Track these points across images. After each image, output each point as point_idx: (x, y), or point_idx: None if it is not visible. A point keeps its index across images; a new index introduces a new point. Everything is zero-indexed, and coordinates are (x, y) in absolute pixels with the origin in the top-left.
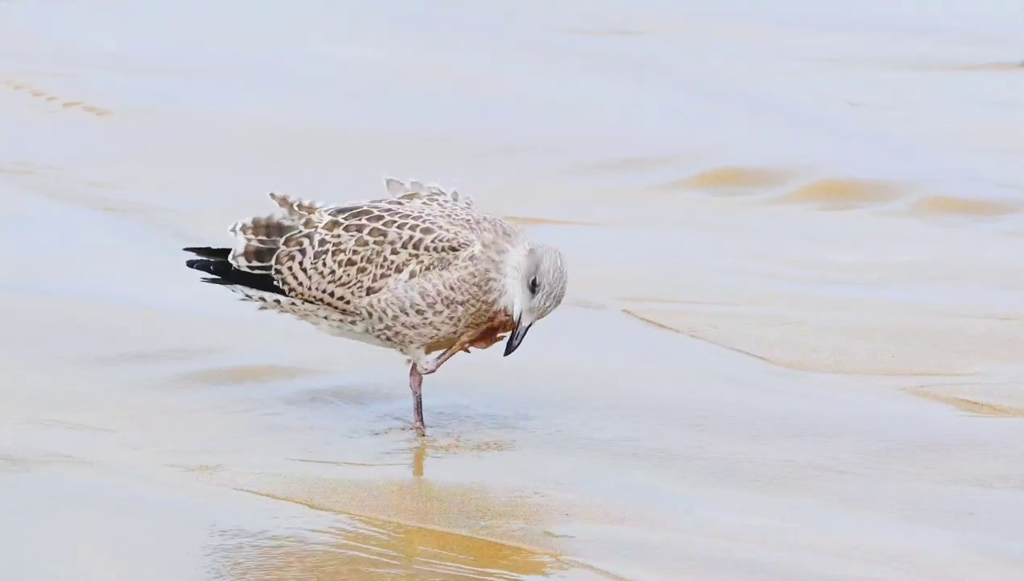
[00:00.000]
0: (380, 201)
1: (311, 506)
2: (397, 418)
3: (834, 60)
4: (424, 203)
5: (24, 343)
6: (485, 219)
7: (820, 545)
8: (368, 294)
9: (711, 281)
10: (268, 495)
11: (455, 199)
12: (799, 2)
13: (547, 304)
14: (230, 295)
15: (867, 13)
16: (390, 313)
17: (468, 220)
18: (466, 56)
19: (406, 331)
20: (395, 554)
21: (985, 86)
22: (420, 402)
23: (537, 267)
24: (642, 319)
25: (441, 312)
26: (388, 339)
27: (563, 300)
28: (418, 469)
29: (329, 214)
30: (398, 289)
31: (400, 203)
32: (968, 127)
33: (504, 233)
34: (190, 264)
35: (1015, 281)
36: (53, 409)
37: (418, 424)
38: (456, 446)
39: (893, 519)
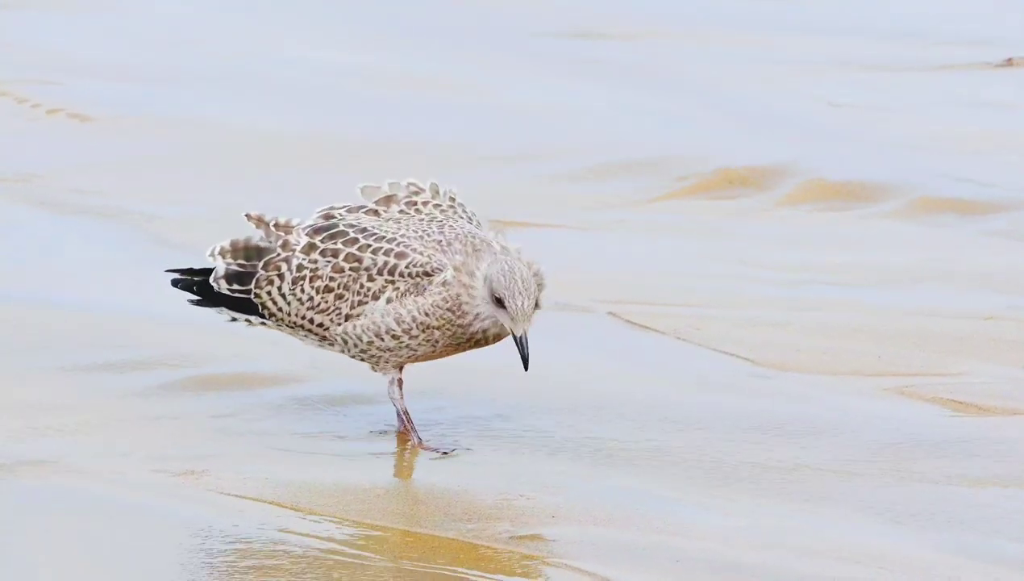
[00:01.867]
0: (359, 212)
1: (297, 510)
2: (382, 423)
3: (813, 62)
4: (402, 211)
5: (7, 351)
6: (457, 238)
7: (806, 546)
8: (346, 320)
9: (696, 284)
10: (255, 499)
11: (435, 194)
12: (774, 5)
13: (521, 306)
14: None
15: (844, 15)
16: (365, 339)
17: (440, 241)
18: (444, 61)
19: (381, 353)
20: (382, 557)
21: (967, 87)
22: (407, 412)
23: (492, 285)
24: (627, 321)
25: (416, 336)
26: (363, 360)
27: (534, 286)
28: (403, 472)
29: (306, 234)
30: (374, 315)
31: (377, 214)
32: (951, 128)
33: (474, 251)
34: (174, 283)
35: (999, 281)
36: (38, 416)
37: (412, 434)
38: (449, 454)
39: (879, 519)
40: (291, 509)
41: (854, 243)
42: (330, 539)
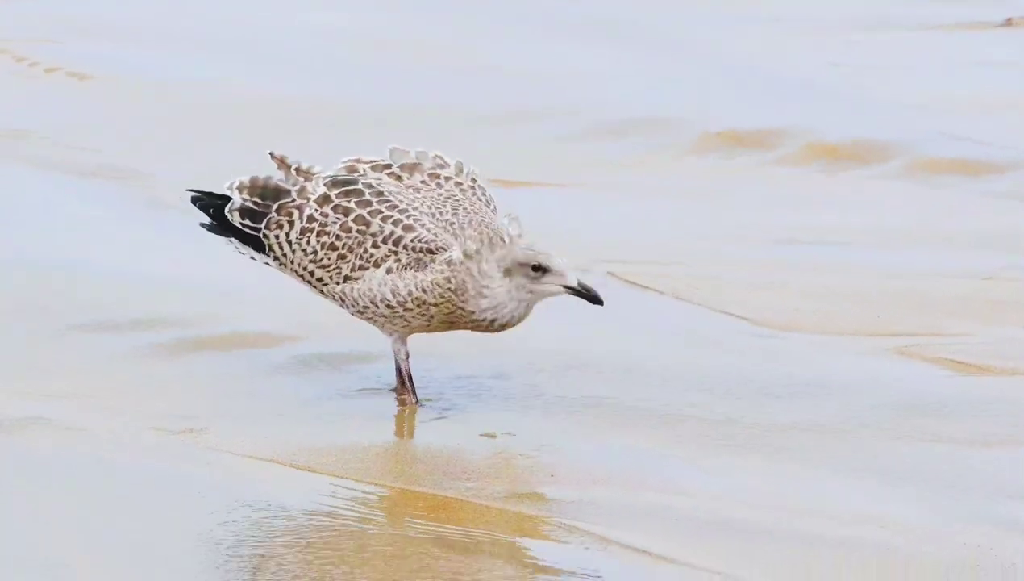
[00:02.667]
0: (383, 173)
1: (297, 468)
2: (382, 382)
3: (812, 21)
4: (423, 181)
5: (4, 312)
6: (471, 224)
7: (806, 506)
8: (345, 281)
9: (695, 244)
10: (253, 458)
11: (458, 172)
12: None
13: (563, 260)
14: (210, 262)
15: None
16: (361, 303)
17: (452, 222)
18: (441, 24)
19: (376, 318)
20: (381, 516)
21: (967, 47)
22: (411, 376)
23: (521, 262)
24: (626, 281)
25: (411, 310)
26: (363, 319)
27: (550, 252)
28: (402, 432)
29: (324, 185)
30: (372, 282)
31: (400, 179)
32: (951, 88)
33: (490, 244)
34: (193, 201)
35: (1000, 242)
36: (34, 377)
37: (412, 399)
38: (445, 415)
39: (878, 479)
40: (290, 467)
41: (854, 204)
42: (329, 497)
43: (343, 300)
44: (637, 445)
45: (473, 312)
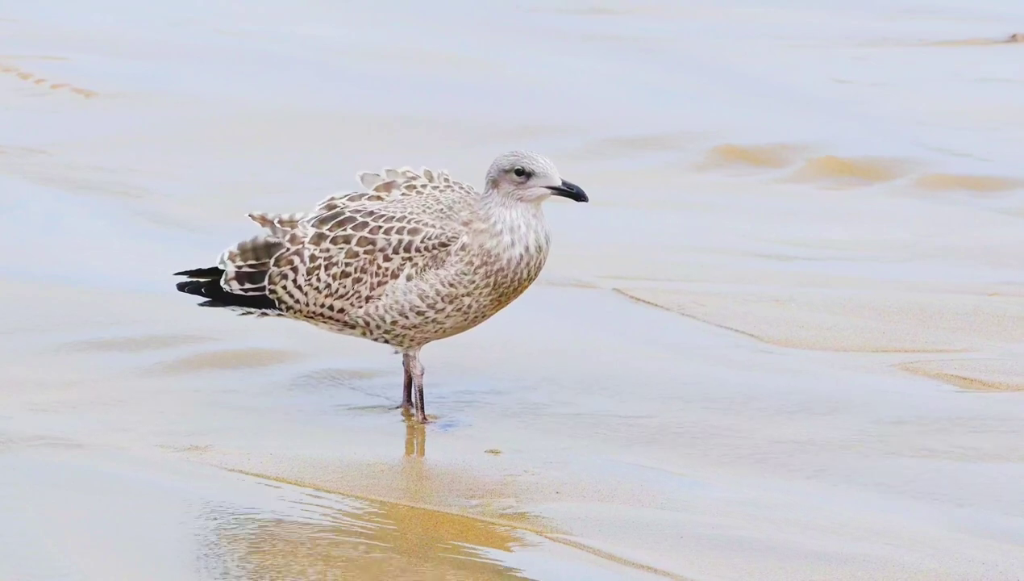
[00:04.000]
0: (361, 199)
1: (301, 485)
2: (386, 399)
3: (815, 38)
4: (403, 193)
5: (7, 328)
6: (455, 202)
7: (810, 521)
8: (366, 302)
9: (701, 260)
10: (258, 475)
11: (430, 179)
12: None
13: (546, 161)
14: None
15: None
16: (388, 318)
17: (441, 210)
18: (443, 37)
19: (406, 332)
20: (386, 532)
21: (972, 63)
22: (421, 390)
23: (504, 167)
24: (632, 297)
25: (443, 309)
26: (387, 342)
27: (533, 155)
28: (408, 449)
29: (312, 226)
30: (396, 294)
31: (380, 197)
32: (956, 104)
33: (475, 200)
34: (180, 288)
35: (1003, 257)
36: (39, 392)
37: (418, 412)
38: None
39: (883, 495)
40: (295, 484)
41: (860, 219)
42: (334, 515)
43: (367, 323)
44: (642, 461)
45: (508, 262)
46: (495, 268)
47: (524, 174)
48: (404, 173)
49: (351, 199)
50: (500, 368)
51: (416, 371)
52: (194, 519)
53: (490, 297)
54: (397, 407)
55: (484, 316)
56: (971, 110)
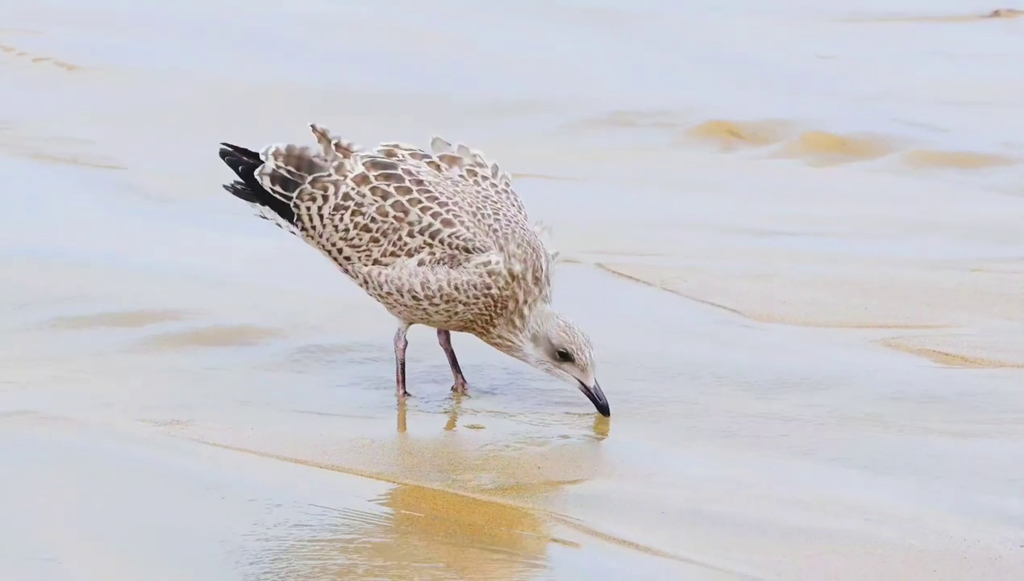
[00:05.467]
0: (421, 161)
1: (282, 459)
2: (368, 375)
3: (796, 13)
4: (461, 176)
5: None
6: (514, 237)
7: (791, 498)
8: (373, 264)
9: (684, 235)
10: (239, 449)
11: (494, 173)
12: None
13: (590, 357)
14: (198, 254)
15: None
16: (385, 288)
17: (495, 229)
18: (428, 13)
19: (395, 306)
20: (367, 507)
21: (954, 38)
22: (403, 367)
23: (553, 343)
24: (615, 273)
25: (438, 305)
26: (378, 301)
27: (590, 338)
28: (390, 424)
29: (363, 164)
30: (402, 272)
31: (439, 169)
32: (940, 80)
33: (535, 282)
34: (222, 155)
35: (986, 233)
36: (22, 368)
37: (400, 390)
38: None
39: (865, 471)
40: (275, 458)
41: (844, 196)
42: (314, 488)
43: (367, 282)
44: (623, 437)
45: (497, 329)
46: (489, 318)
47: (566, 358)
48: (474, 156)
49: (412, 155)
50: (481, 343)
51: (399, 345)
52: (175, 492)
53: (470, 323)
54: (384, 385)
55: (465, 328)
56: (954, 86)
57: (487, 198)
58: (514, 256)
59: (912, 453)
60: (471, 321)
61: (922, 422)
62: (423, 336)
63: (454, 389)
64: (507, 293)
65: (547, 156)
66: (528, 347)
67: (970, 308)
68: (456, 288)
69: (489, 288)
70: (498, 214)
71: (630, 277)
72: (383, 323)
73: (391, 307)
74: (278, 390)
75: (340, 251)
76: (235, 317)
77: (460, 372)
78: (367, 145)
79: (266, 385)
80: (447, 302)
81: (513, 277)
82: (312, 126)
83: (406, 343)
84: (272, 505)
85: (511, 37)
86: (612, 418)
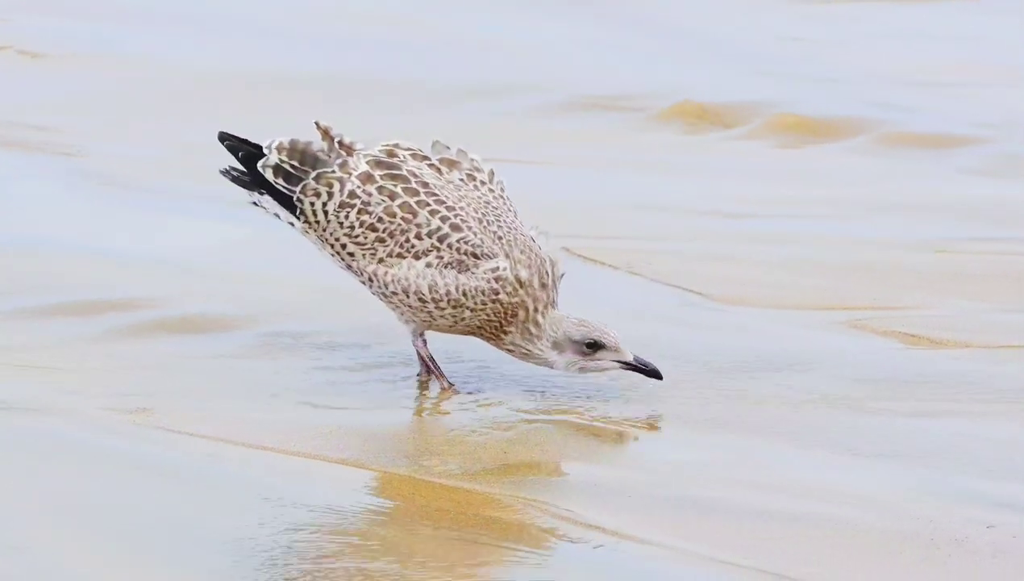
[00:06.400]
0: (422, 163)
1: (247, 446)
2: (335, 362)
3: None
4: (462, 180)
5: None
6: (517, 244)
7: (759, 480)
8: (379, 263)
9: (651, 218)
10: (204, 436)
11: (491, 179)
12: None
13: (616, 336)
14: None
15: None
16: (390, 288)
17: (499, 236)
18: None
19: (400, 306)
20: (332, 493)
21: (923, 18)
22: (433, 361)
23: (576, 339)
24: (580, 256)
25: (444, 309)
26: (382, 300)
27: (604, 328)
28: (355, 410)
29: (366, 163)
30: (410, 273)
31: (440, 171)
32: (908, 61)
33: (542, 287)
34: (222, 139)
35: (953, 214)
36: None
37: (443, 382)
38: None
39: (831, 453)
40: (241, 445)
41: (814, 177)
42: (278, 473)
43: (372, 279)
44: (590, 421)
45: (510, 337)
46: (499, 323)
47: (595, 347)
48: (472, 161)
49: (413, 156)
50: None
51: (418, 343)
52: (139, 479)
53: (477, 329)
54: (418, 374)
55: (472, 333)
56: (923, 67)
57: (488, 204)
58: (520, 262)
59: (879, 435)
60: (478, 327)
61: (888, 404)
62: (390, 321)
63: (418, 375)
64: (515, 300)
65: (515, 139)
66: (552, 355)
67: (937, 289)
68: (464, 294)
69: (497, 294)
70: (500, 220)
71: (596, 261)
72: (349, 309)
73: (395, 307)
74: (243, 378)
75: (344, 247)
76: (200, 304)
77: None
78: (348, 134)
79: (231, 373)
80: (454, 307)
81: (521, 283)
82: (316, 123)
83: (424, 340)
84: (238, 491)
85: (477, 21)
86: (576, 403)
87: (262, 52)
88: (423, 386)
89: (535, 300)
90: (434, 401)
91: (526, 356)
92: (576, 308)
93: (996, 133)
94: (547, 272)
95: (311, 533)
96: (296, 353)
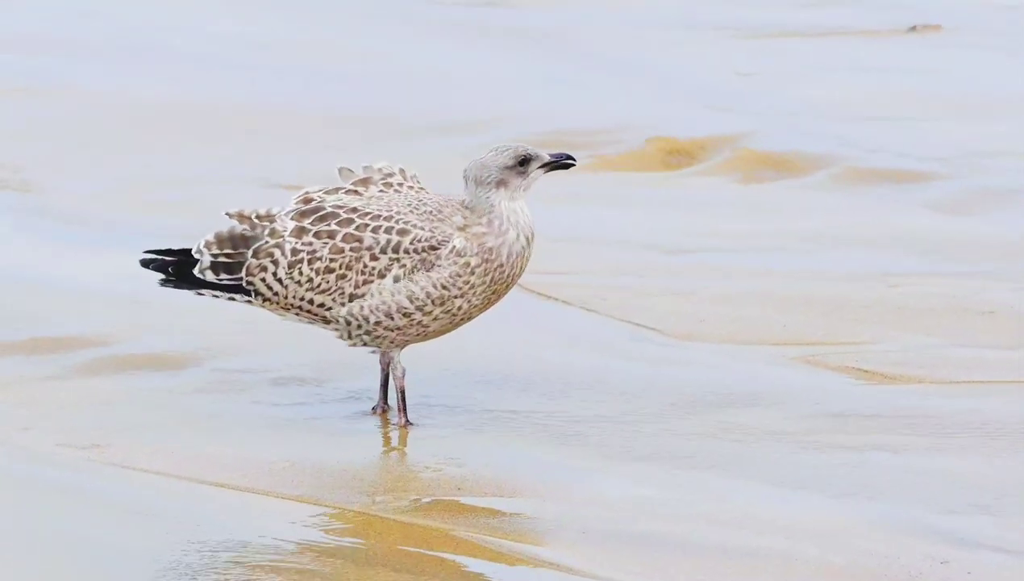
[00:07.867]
0: (338, 193)
1: (201, 482)
2: (289, 398)
3: (715, 28)
4: (381, 191)
5: None
6: (444, 204)
7: (714, 515)
8: (350, 300)
9: (604, 254)
10: (158, 473)
11: (405, 178)
12: None
13: (534, 148)
14: (118, 278)
15: None
16: (372, 319)
17: (431, 212)
18: (350, 30)
19: (387, 333)
20: (285, 529)
21: (874, 53)
22: (404, 395)
23: (507, 163)
24: (534, 292)
25: (431, 312)
26: (365, 343)
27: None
28: (310, 446)
29: (292, 219)
30: (383, 294)
31: (358, 193)
32: (860, 95)
33: (463, 205)
34: (144, 264)
35: (907, 249)
36: None
37: (402, 418)
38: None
39: (785, 488)
40: (196, 482)
41: (767, 212)
42: (235, 511)
43: (349, 323)
44: (545, 457)
45: (508, 257)
46: (495, 265)
47: (528, 160)
48: (380, 170)
49: (327, 193)
50: (415, 353)
51: (397, 373)
52: (92, 514)
53: (483, 296)
54: (373, 408)
55: (470, 317)
56: (876, 101)
57: (416, 199)
58: (452, 214)
59: (833, 470)
60: (492, 293)
61: (842, 439)
62: (351, 354)
63: (374, 410)
64: (476, 242)
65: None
66: (504, 197)
67: (890, 324)
68: (443, 287)
69: (468, 264)
70: (425, 201)
71: (550, 297)
72: (304, 344)
73: (382, 339)
74: (197, 413)
75: (312, 302)
76: (152, 339)
77: (386, 397)
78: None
79: (185, 408)
80: (440, 304)
81: (462, 227)
82: (226, 213)
83: (404, 370)
84: (192, 528)
85: (431, 55)
86: (532, 439)
87: (215, 85)
88: (383, 420)
89: (479, 212)
90: (388, 436)
91: (519, 228)
92: (530, 343)
93: (950, 168)
94: (464, 199)
95: (266, 571)
96: (250, 388)
